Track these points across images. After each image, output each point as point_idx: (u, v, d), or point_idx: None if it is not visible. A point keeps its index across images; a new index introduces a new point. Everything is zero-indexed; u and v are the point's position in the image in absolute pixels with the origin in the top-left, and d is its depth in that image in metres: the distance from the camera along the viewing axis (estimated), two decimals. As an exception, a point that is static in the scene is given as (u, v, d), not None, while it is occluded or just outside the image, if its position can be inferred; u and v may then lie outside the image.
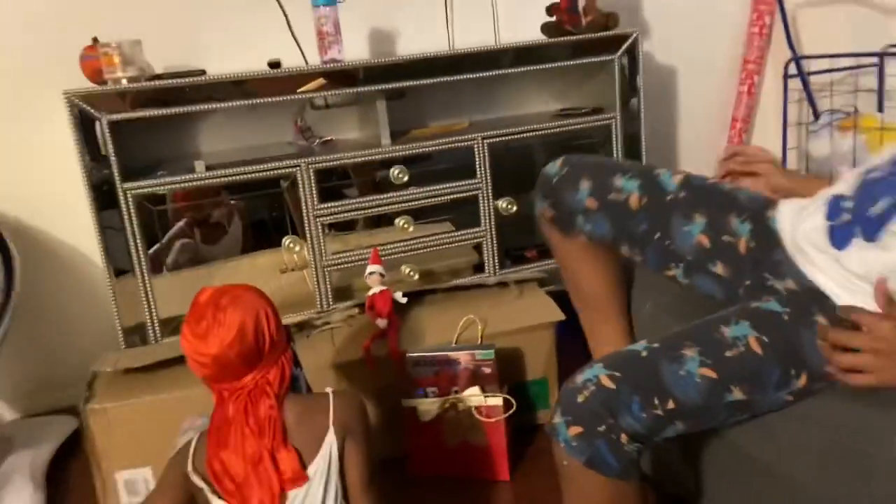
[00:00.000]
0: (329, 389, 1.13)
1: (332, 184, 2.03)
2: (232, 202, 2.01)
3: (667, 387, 1.00)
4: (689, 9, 2.67)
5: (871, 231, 0.98)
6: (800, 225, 1.10)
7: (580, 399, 1.01)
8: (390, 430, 1.65)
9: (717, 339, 1.04)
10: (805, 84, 2.71)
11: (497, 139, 2.09)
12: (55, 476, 1.79)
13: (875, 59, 2.53)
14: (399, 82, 1.99)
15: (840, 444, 0.94)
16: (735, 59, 2.80)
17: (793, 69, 2.66)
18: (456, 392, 1.60)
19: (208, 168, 1.87)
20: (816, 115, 2.69)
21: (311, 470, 1.06)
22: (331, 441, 1.08)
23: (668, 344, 1.06)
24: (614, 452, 1.00)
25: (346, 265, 2.02)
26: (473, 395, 1.57)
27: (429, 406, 1.59)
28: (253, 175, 1.90)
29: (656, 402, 1.00)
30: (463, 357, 1.61)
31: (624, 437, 1.00)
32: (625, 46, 2.19)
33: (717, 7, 2.73)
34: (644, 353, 1.05)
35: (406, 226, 2.07)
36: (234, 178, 1.89)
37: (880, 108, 2.63)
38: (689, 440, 1.28)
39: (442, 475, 1.63)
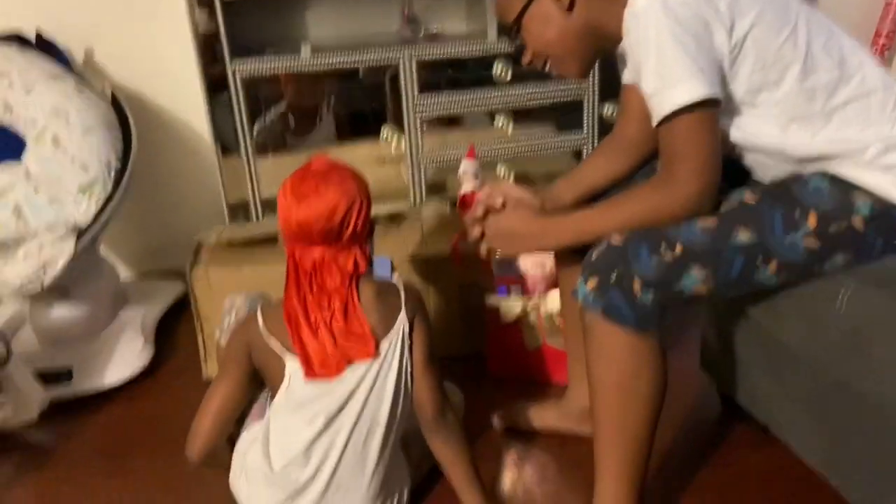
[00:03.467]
0: (395, 278, 1.21)
1: (434, 78, 2.01)
2: (331, 92, 2.02)
3: (671, 234, 1.04)
4: None
5: None
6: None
7: (594, 257, 1.07)
8: (472, 329, 1.69)
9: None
10: (967, -2, 2.41)
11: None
12: (164, 334, 1.95)
13: None
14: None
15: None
16: (889, -35, 2.51)
17: (955, -21, 2.36)
18: (540, 295, 1.60)
19: (314, 52, 1.89)
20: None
21: (384, 346, 1.14)
22: (403, 320, 1.16)
23: None
24: (628, 301, 1.04)
25: (442, 161, 2.02)
26: (557, 299, 1.55)
27: (511, 305, 1.60)
28: (356, 63, 1.91)
29: (664, 247, 1.03)
30: (549, 260, 1.59)
31: (637, 284, 1.03)
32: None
33: None
34: None
35: (505, 125, 2.03)
36: (337, 64, 1.90)
37: None
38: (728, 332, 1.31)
39: (519, 376, 1.66)
